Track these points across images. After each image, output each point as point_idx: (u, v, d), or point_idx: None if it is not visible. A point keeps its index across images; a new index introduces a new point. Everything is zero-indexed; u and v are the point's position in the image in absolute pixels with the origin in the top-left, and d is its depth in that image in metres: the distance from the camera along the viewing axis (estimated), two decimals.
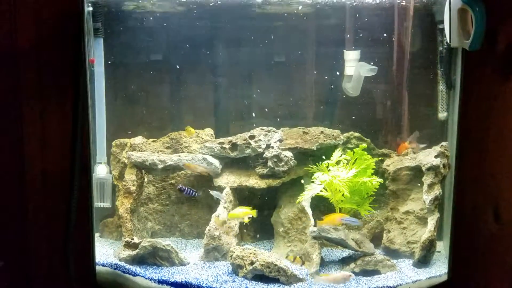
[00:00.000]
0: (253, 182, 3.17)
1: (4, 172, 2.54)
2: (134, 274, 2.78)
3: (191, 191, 3.04)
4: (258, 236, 3.34)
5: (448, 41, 2.61)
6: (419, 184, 3.10)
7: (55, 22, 2.47)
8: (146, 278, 2.74)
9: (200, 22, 3.25)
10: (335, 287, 2.68)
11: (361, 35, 3.20)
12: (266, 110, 3.38)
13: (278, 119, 3.34)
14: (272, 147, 3.16)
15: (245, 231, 3.32)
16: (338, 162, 3.04)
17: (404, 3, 3.12)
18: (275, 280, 2.71)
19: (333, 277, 2.70)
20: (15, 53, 2.47)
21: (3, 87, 2.48)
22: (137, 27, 3.24)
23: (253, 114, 3.40)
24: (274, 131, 3.25)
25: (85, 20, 2.50)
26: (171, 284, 2.69)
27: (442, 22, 2.76)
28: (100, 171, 3.13)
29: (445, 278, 2.76)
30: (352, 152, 3.04)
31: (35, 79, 2.50)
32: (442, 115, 3.12)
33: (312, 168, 3.09)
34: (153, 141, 3.39)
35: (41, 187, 2.58)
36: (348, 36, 3.21)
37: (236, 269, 2.81)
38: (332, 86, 3.29)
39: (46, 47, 2.48)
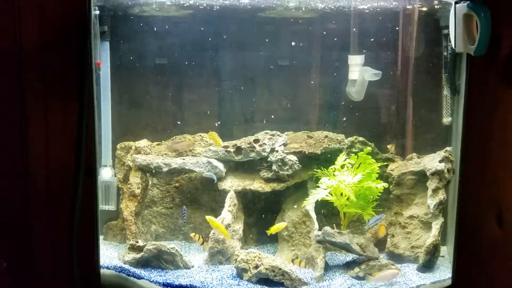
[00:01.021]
0: (258, 185, 3.17)
1: (8, 172, 2.53)
2: (139, 277, 2.77)
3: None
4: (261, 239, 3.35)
5: (453, 46, 2.61)
6: (423, 189, 3.10)
7: (60, 23, 2.45)
8: (150, 281, 2.74)
9: (205, 26, 3.26)
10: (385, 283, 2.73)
11: (365, 40, 3.22)
12: (272, 116, 3.39)
13: (282, 122, 3.36)
14: (277, 151, 3.17)
15: (250, 236, 3.32)
16: (342, 167, 3.05)
17: (409, 9, 3.13)
18: (279, 284, 2.72)
19: (382, 275, 2.74)
20: (20, 53, 2.46)
21: (7, 87, 2.48)
22: (142, 31, 3.25)
23: (258, 118, 3.41)
24: (278, 135, 3.26)
25: (91, 22, 2.51)
26: (176, 287, 2.69)
27: (447, 27, 2.77)
28: (105, 174, 3.14)
29: (449, 282, 2.76)
30: (356, 156, 3.05)
31: (40, 79, 2.49)
32: (446, 120, 3.13)
33: (316, 172, 3.09)
34: (158, 144, 3.40)
35: (45, 188, 2.57)
36: (352, 41, 3.23)
37: (240, 273, 2.81)
38: (336, 91, 3.31)
39: (51, 47, 2.47)
